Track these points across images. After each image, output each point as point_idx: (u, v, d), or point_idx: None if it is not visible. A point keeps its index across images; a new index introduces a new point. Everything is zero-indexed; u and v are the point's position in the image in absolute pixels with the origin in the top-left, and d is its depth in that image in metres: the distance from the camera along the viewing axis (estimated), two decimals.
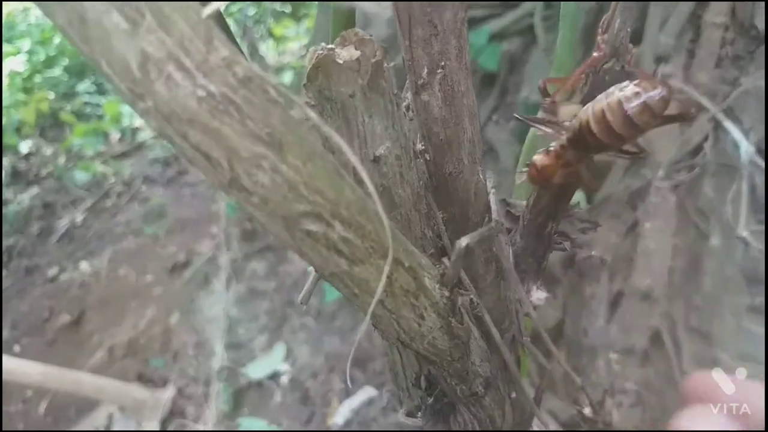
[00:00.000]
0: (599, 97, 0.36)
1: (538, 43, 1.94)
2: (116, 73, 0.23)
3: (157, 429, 2.03)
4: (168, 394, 2.14)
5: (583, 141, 0.36)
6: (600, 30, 0.37)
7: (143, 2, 0.22)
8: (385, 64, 0.35)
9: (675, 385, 1.49)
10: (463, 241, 0.37)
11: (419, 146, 0.44)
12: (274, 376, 2.18)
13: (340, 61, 0.33)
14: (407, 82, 0.40)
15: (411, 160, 0.40)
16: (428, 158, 0.43)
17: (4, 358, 1.87)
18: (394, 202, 0.41)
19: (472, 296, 0.41)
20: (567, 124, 0.38)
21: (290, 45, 3.73)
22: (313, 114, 0.26)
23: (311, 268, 0.44)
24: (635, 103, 0.34)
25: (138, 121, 4.04)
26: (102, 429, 2.09)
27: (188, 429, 2.06)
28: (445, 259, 0.40)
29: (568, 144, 0.38)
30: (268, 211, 0.27)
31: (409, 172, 0.40)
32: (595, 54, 0.37)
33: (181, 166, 3.49)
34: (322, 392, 2.12)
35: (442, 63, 0.37)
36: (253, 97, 0.25)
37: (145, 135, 3.86)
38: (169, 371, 2.26)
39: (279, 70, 3.51)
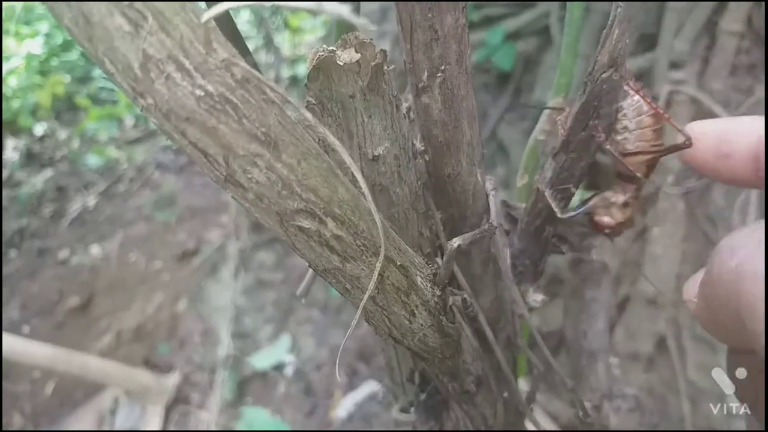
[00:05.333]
0: (625, 136, 0.38)
1: (553, 43, 1.93)
2: (119, 71, 0.24)
3: (162, 414, 2.05)
4: (173, 380, 2.16)
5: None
6: (597, 49, 0.38)
7: (145, 4, 0.23)
8: (385, 67, 0.35)
9: (677, 392, 1.49)
10: (455, 242, 0.37)
11: (419, 147, 0.44)
12: (279, 367, 2.19)
13: (341, 63, 0.33)
14: (408, 84, 0.41)
15: (409, 161, 0.41)
16: (428, 159, 0.44)
17: (14, 338, 1.89)
18: (392, 201, 0.41)
19: (465, 296, 0.41)
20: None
21: (306, 37, 3.73)
22: (308, 115, 0.27)
23: None
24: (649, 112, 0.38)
25: None
26: (107, 412, 2.11)
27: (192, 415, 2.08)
28: (438, 259, 0.41)
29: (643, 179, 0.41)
30: (262, 207, 0.28)
31: (407, 172, 0.41)
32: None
33: None
34: (326, 385, 2.13)
35: (443, 67, 0.38)
36: (251, 97, 0.26)
37: None
38: (175, 357, 2.28)
39: (294, 61, 3.51)
